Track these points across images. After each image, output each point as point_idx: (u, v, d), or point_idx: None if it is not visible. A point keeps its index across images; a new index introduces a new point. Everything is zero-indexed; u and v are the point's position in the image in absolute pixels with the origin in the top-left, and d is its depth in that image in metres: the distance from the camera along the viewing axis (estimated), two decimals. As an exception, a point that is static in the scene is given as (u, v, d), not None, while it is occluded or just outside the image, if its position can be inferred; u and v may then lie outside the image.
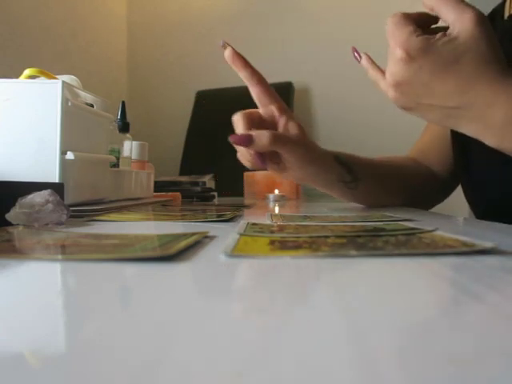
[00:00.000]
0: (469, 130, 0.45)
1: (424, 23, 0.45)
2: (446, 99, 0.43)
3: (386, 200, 0.71)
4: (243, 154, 0.62)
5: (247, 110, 0.62)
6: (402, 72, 0.43)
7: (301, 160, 0.60)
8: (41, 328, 0.15)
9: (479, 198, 0.69)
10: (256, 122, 0.60)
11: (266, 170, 0.62)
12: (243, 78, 0.63)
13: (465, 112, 0.43)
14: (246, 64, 0.63)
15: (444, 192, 0.80)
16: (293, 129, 0.60)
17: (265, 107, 0.62)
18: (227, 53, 0.63)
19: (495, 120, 0.42)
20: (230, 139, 0.58)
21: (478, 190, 0.67)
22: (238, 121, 0.61)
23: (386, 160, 0.76)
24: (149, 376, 0.11)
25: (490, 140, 0.44)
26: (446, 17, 0.42)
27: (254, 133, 0.57)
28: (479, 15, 0.41)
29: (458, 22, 0.41)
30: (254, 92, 0.64)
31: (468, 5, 0.42)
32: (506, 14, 0.68)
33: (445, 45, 0.41)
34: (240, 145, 0.58)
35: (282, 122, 0.61)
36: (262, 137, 0.56)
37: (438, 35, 0.42)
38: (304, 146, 0.60)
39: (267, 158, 0.59)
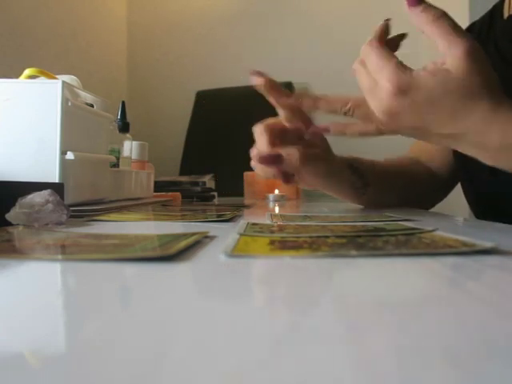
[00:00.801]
0: (466, 151, 0.46)
1: (394, 44, 0.47)
2: (439, 128, 0.44)
3: (391, 201, 0.71)
4: (262, 168, 0.59)
5: (269, 122, 0.58)
6: (394, 104, 0.43)
7: (321, 174, 0.61)
8: (41, 328, 0.15)
9: (479, 197, 0.69)
10: (278, 135, 0.58)
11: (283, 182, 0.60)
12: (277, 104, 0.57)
13: (459, 138, 0.44)
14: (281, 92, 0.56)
15: (444, 190, 0.80)
16: (319, 143, 0.60)
17: (290, 122, 0.58)
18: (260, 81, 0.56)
19: (489, 146, 0.43)
20: (257, 160, 0.56)
21: (478, 190, 0.67)
22: (261, 135, 0.57)
23: (391, 162, 0.76)
24: (149, 376, 0.11)
25: (486, 161, 0.46)
26: (439, 46, 0.43)
27: (283, 153, 0.55)
28: (471, 47, 0.41)
29: (449, 55, 0.41)
30: (283, 113, 0.58)
31: (461, 35, 0.42)
32: (506, 14, 0.68)
33: (436, 79, 0.41)
34: (268, 164, 0.56)
35: (308, 136, 0.59)
36: (293, 158, 0.55)
37: (429, 67, 0.42)
38: (326, 161, 0.60)
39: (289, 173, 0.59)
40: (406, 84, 0.42)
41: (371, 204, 0.71)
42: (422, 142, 0.78)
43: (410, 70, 0.43)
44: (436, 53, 0.43)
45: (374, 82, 0.44)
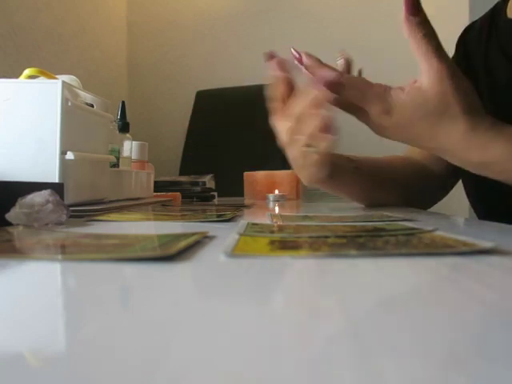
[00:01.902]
0: (452, 162, 0.51)
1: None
2: (422, 143, 0.49)
3: (385, 199, 0.71)
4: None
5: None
6: (383, 122, 0.48)
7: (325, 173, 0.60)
8: (41, 328, 0.15)
9: (481, 198, 0.69)
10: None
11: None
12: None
13: (442, 152, 0.49)
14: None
15: (443, 190, 0.80)
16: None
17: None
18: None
19: (471, 162, 0.48)
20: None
21: (480, 190, 0.67)
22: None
23: (385, 160, 0.76)
24: (149, 376, 0.11)
25: (472, 171, 0.50)
26: (420, 64, 0.45)
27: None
28: (448, 68, 0.44)
29: (427, 77, 0.45)
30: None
31: (442, 59, 0.44)
32: (510, 14, 0.68)
33: (416, 99, 0.45)
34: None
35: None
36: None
37: (410, 86, 0.46)
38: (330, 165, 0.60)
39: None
40: (391, 107, 0.46)
41: (364, 197, 0.70)
42: None
43: (398, 95, 0.46)
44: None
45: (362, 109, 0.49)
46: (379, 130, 0.50)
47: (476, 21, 0.78)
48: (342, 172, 0.66)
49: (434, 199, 0.81)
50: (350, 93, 0.49)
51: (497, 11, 0.72)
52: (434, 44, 0.44)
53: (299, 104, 0.54)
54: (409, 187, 0.74)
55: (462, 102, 0.45)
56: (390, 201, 0.71)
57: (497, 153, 0.46)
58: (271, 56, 0.57)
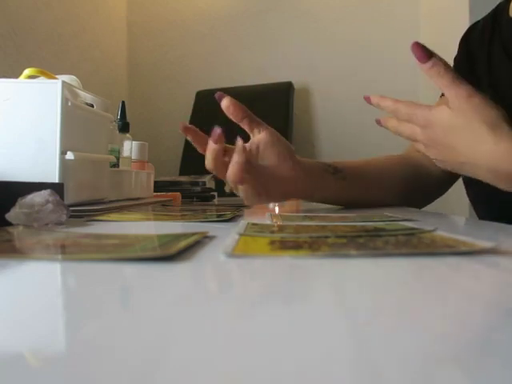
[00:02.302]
0: (484, 178, 0.54)
1: None
2: (456, 157, 0.53)
3: (377, 200, 0.71)
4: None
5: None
6: (424, 134, 0.54)
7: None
8: (41, 328, 0.15)
9: (481, 197, 0.69)
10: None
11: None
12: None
13: (475, 166, 0.52)
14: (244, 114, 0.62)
15: (440, 189, 0.80)
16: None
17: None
18: (226, 103, 0.62)
19: (501, 173, 0.50)
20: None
21: (480, 190, 0.67)
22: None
23: (376, 160, 0.75)
24: (149, 376, 0.11)
25: (503, 187, 0.53)
26: (446, 94, 0.51)
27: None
28: (471, 90, 0.50)
29: (455, 98, 0.50)
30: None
31: (462, 83, 0.50)
32: (511, 14, 0.68)
33: (446, 118, 0.51)
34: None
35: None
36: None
37: (442, 108, 0.51)
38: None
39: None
40: (429, 122, 0.52)
41: (354, 198, 0.70)
42: None
43: (432, 113, 0.52)
44: (432, 87, 0.51)
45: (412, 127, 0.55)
46: (425, 148, 0.56)
47: (479, 21, 0.78)
48: (320, 181, 0.65)
49: (430, 198, 0.81)
50: None
51: (499, 11, 0.72)
52: (452, 75, 0.50)
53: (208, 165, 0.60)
54: (406, 186, 0.74)
55: (489, 116, 0.49)
56: (384, 201, 0.71)
57: None
58: (220, 97, 0.62)
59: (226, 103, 0.62)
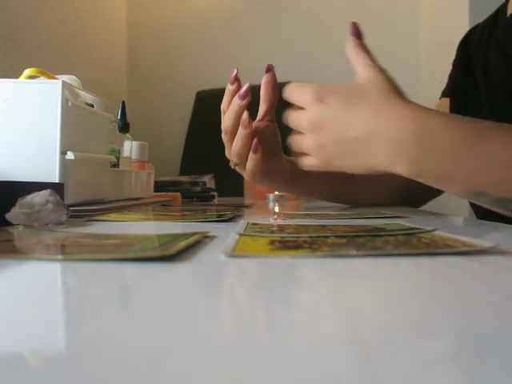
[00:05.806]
0: (383, 159, 0.47)
1: None
2: (357, 127, 0.46)
3: (372, 199, 0.71)
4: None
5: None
6: (316, 112, 0.47)
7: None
8: (41, 328, 0.15)
9: None
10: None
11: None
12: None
13: (377, 140, 0.46)
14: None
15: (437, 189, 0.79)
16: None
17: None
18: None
19: (406, 144, 0.45)
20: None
21: None
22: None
23: None
24: (149, 376, 0.11)
25: (402, 167, 0.46)
26: (358, 70, 0.51)
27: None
28: (379, 68, 0.49)
29: (363, 74, 0.49)
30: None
31: (373, 64, 0.50)
32: (509, 12, 0.68)
33: (345, 88, 0.48)
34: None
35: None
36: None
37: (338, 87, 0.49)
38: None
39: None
40: (322, 92, 0.47)
41: (349, 198, 0.70)
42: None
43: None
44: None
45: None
46: (310, 126, 0.50)
47: (479, 24, 0.78)
48: (304, 174, 0.63)
49: (426, 198, 0.80)
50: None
51: (498, 14, 0.72)
52: (364, 54, 0.51)
53: (226, 121, 0.57)
54: (402, 185, 0.74)
55: (393, 86, 0.48)
56: (378, 200, 0.71)
57: (433, 124, 0.44)
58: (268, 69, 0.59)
59: (266, 79, 0.58)
